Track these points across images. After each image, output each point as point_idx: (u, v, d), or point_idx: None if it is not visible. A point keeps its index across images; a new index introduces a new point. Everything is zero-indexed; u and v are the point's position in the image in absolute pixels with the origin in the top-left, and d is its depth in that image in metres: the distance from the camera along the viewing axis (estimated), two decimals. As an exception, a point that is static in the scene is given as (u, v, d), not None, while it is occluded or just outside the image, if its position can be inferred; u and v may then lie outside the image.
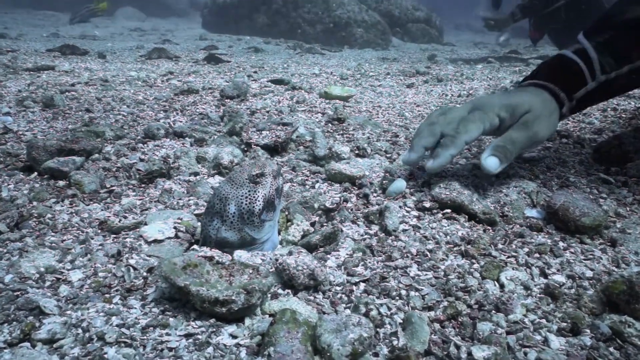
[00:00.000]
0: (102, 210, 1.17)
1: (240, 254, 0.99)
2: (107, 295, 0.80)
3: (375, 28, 9.45)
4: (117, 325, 0.72)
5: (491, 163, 1.15)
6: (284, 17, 9.84)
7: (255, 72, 3.78)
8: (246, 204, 0.97)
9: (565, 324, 0.79)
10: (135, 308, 0.77)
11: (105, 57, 4.42)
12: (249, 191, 0.98)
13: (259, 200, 0.98)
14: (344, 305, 0.84)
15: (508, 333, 0.76)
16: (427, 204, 1.19)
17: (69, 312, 0.75)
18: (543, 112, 1.20)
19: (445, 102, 2.67)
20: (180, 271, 0.80)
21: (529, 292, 0.88)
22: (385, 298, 0.86)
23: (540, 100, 1.23)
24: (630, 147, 1.52)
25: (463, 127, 1.17)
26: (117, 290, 0.83)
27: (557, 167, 1.49)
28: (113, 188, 1.29)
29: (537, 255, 1.01)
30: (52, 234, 1.03)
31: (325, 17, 9.52)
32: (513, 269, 0.94)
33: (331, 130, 1.94)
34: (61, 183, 1.30)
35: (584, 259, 1.00)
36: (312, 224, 1.18)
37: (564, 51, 1.34)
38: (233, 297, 0.75)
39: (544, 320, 0.79)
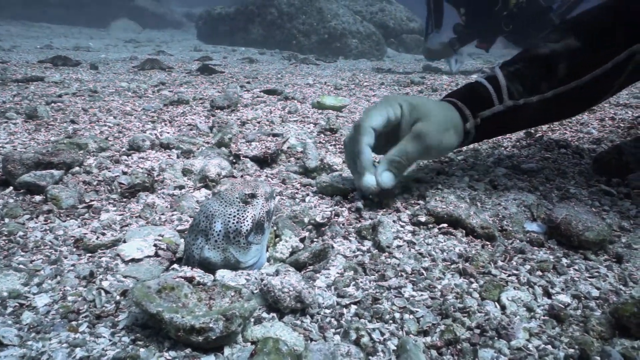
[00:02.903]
0: (78, 227, 1.11)
1: (224, 274, 0.92)
2: (73, 323, 0.73)
3: (370, 39, 9.48)
4: (80, 359, 0.65)
5: (386, 179, 1.17)
6: (279, 28, 9.86)
7: (248, 82, 3.73)
8: (233, 223, 0.92)
9: (572, 350, 0.73)
10: (104, 337, 0.70)
11: (97, 68, 4.37)
12: (238, 210, 0.93)
13: (247, 220, 0.93)
14: (333, 330, 0.78)
15: (511, 361, 0.70)
16: (423, 218, 1.13)
17: (30, 342, 0.68)
18: (441, 123, 1.20)
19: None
20: (154, 295, 0.74)
21: (532, 314, 0.82)
22: (377, 322, 0.79)
23: (443, 110, 1.24)
24: (631, 158, 1.47)
25: (366, 115, 1.19)
26: (85, 317, 0.76)
27: (556, 179, 1.44)
28: (92, 203, 1.23)
29: (539, 273, 0.95)
30: (22, 253, 0.96)
31: (320, 28, 9.55)
32: (514, 288, 0.88)
33: (323, 141, 1.89)
34: (37, 198, 1.23)
35: (589, 277, 0.94)
36: (302, 240, 1.12)
37: (478, 78, 1.36)
38: (210, 325, 0.68)
39: (549, 347, 0.73)
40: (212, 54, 6.99)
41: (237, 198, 0.95)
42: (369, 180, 1.17)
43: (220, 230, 0.91)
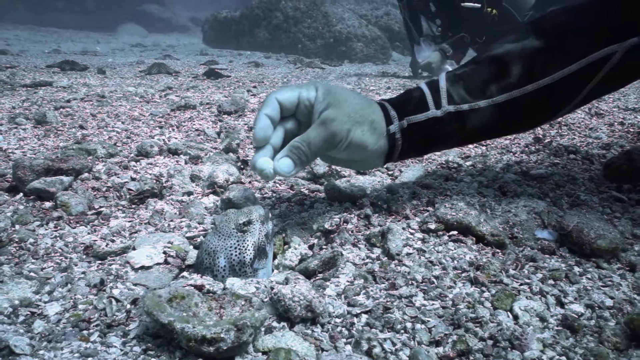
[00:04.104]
0: (88, 233, 1.11)
1: (233, 282, 0.92)
2: (84, 332, 0.73)
3: (376, 42, 9.49)
4: (92, 368, 0.65)
5: (283, 165, 1.00)
6: (284, 32, 9.90)
7: (254, 86, 3.74)
8: (236, 255, 0.93)
9: (587, 362, 0.72)
10: (115, 347, 0.70)
11: (104, 73, 4.41)
12: (238, 241, 0.94)
13: (249, 250, 0.93)
14: (344, 340, 0.77)
15: (525, 373, 0.69)
16: (432, 225, 1.12)
17: (41, 351, 0.68)
18: (352, 113, 1.04)
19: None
20: (165, 305, 0.73)
21: (545, 324, 0.81)
22: (389, 332, 0.79)
23: (362, 103, 1.07)
24: (642, 163, 1.46)
25: (275, 90, 1.07)
26: (96, 326, 0.76)
27: (566, 185, 1.43)
28: (102, 209, 1.23)
29: (551, 281, 0.94)
30: (32, 261, 0.96)
31: (326, 32, 9.57)
32: (527, 297, 0.87)
33: (331, 147, 1.89)
34: (47, 204, 1.24)
35: (603, 286, 0.93)
36: (311, 247, 1.11)
37: (421, 82, 1.22)
38: (222, 335, 0.68)
39: (564, 358, 0.72)
40: (218, 58, 7.02)
41: (233, 229, 0.95)
42: (262, 163, 1.00)
43: (224, 266, 0.92)
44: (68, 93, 2.99)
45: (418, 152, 1.25)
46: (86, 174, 1.43)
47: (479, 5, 4.82)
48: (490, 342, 0.76)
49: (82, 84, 3.51)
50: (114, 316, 0.79)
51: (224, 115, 2.41)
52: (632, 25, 1.08)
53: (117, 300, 0.83)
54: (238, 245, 0.93)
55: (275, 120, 1.04)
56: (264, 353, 0.73)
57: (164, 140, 1.90)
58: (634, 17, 1.08)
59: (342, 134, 1.02)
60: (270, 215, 1.02)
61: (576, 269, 0.99)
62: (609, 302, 0.87)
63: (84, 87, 3.33)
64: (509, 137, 2.07)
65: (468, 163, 1.69)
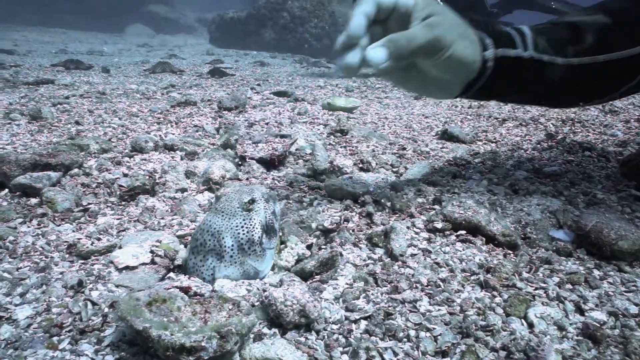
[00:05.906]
0: (73, 231, 1.05)
1: (223, 284, 0.85)
2: (54, 339, 0.67)
3: (382, 42, 9.40)
4: (56, 380, 0.58)
5: (377, 54, 0.91)
6: (290, 32, 9.85)
7: (258, 84, 3.68)
8: (244, 234, 0.88)
9: (613, 377, 0.64)
10: (86, 355, 0.64)
11: (109, 72, 4.37)
12: (244, 219, 0.89)
13: (257, 228, 0.89)
14: (340, 349, 0.70)
15: (543, 389, 0.62)
16: (439, 225, 1.05)
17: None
18: (458, 26, 0.99)
19: (454, 114, 2.54)
20: (143, 309, 0.67)
21: (564, 333, 0.73)
22: (390, 340, 0.71)
23: (461, 22, 1.01)
24: (662, 160, 1.37)
25: None
26: (69, 332, 0.69)
27: (582, 183, 1.34)
28: (89, 206, 1.17)
29: (569, 286, 0.86)
30: (9, 260, 0.90)
31: (332, 31, 9.50)
32: (543, 303, 0.80)
33: (333, 143, 1.82)
34: (33, 201, 1.18)
35: (626, 291, 0.85)
36: (309, 247, 1.04)
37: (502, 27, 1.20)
38: (203, 344, 0.61)
39: (586, 372, 0.65)
40: (224, 58, 6.98)
41: (238, 208, 0.90)
42: (350, 56, 0.91)
43: (232, 245, 0.87)
44: (69, 90, 2.94)
45: (489, 93, 1.19)
46: (76, 170, 1.36)
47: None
48: (502, 353, 0.68)
49: (84, 82, 3.46)
50: (89, 321, 0.72)
51: (224, 111, 2.35)
52: None
53: (94, 304, 0.76)
54: (245, 224, 0.88)
55: (370, 20, 0.93)
56: (250, 363, 0.66)
57: (160, 136, 1.84)
58: None
59: (446, 41, 0.94)
60: (276, 195, 0.99)
61: (596, 273, 0.91)
62: (633, 310, 0.79)
63: (86, 85, 3.29)
64: (520, 133, 1.99)
65: (477, 160, 1.61)
